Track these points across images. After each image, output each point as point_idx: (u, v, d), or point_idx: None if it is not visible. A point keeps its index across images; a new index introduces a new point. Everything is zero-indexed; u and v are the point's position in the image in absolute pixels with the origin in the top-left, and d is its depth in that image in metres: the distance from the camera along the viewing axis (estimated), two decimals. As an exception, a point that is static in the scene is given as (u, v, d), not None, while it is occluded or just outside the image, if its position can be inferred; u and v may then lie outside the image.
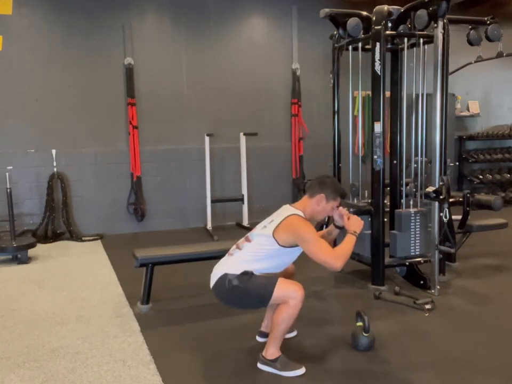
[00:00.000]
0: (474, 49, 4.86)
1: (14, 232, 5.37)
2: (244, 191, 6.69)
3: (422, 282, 4.04)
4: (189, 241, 5.72)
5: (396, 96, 4.41)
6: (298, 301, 2.65)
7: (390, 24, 4.03)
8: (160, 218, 6.82)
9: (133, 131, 6.54)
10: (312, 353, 2.93)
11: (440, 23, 3.72)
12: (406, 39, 4.09)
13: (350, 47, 4.33)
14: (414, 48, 4.29)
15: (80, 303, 3.93)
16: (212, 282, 2.83)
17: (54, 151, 6.26)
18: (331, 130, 4.53)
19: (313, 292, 4.07)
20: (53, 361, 2.92)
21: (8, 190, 5.38)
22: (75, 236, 6.26)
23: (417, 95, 4.21)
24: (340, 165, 4.54)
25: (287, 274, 2.95)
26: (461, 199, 4.53)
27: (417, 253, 4.17)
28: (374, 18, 4.02)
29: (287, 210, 2.84)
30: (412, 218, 4.13)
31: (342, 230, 2.95)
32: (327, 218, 3.31)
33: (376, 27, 3.97)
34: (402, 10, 4.01)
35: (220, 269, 2.83)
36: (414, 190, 4.27)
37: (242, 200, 6.68)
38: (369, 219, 4.15)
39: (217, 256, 3.89)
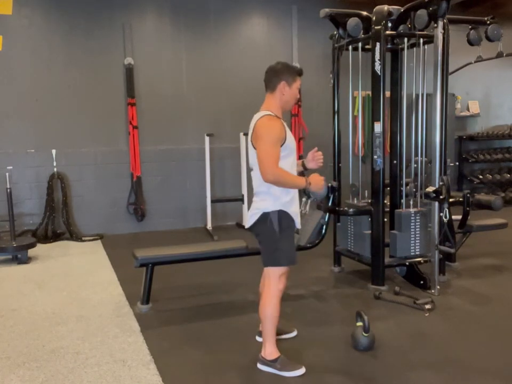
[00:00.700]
0: (474, 49, 4.86)
1: (14, 232, 5.37)
2: (244, 191, 6.69)
3: (422, 282, 4.04)
4: (189, 241, 5.72)
5: (396, 96, 4.41)
6: (279, 292, 2.75)
7: (390, 24, 4.03)
8: (160, 218, 6.82)
9: (133, 131, 6.54)
10: (312, 353, 2.93)
11: (440, 23, 3.72)
12: (406, 39, 4.09)
13: (350, 47, 4.33)
14: (414, 48, 4.29)
15: (80, 303, 3.93)
16: (251, 221, 2.79)
17: (54, 151, 6.26)
18: (331, 130, 4.53)
19: (313, 292, 4.08)
20: (53, 361, 2.92)
21: (8, 190, 5.38)
22: (75, 236, 6.26)
23: (417, 95, 4.21)
24: (340, 165, 4.54)
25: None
26: (461, 199, 4.53)
27: (417, 253, 4.17)
28: (374, 18, 4.02)
29: (256, 116, 2.75)
30: (412, 218, 4.13)
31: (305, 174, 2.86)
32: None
33: (376, 27, 3.97)
34: (402, 10, 4.01)
35: (254, 208, 2.78)
36: (414, 190, 4.27)
37: (242, 200, 6.68)
38: (369, 219, 4.15)
39: (217, 256, 3.93)
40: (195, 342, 3.16)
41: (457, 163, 8.41)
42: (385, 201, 4.14)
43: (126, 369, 2.80)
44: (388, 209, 4.42)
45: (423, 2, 3.78)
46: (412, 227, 4.14)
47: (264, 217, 2.72)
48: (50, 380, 2.71)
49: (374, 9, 4.06)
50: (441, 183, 3.79)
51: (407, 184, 4.34)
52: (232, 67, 7.02)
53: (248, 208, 2.93)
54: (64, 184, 6.29)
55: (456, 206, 4.54)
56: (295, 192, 2.80)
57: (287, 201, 2.73)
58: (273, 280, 2.75)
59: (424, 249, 4.17)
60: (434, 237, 3.87)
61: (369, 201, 4.19)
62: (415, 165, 4.29)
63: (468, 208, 4.53)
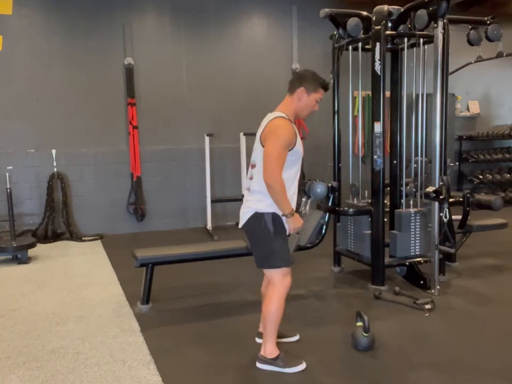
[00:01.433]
0: (474, 49, 4.86)
1: (14, 232, 5.37)
2: (244, 191, 6.68)
3: (422, 282, 4.04)
4: (189, 241, 5.71)
5: (396, 96, 4.41)
6: (285, 291, 2.73)
7: (390, 24, 4.03)
8: (160, 218, 6.82)
9: (133, 131, 6.54)
10: (312, 353, 2.93)
11: (440, 23, 3.72)
12: (406, 39, 4.09)
13: (350, 47, 4.33)
14: (414, 48, 4.29)
15: (80, 303, 3.93)
16: (243, 220, 2.81)
17: (54, 151, 6.26)
18: (331, 130, 4.53)
19: (313, 292, 4.08)
20: (53, 361, 2.92)
21: (8, 190, 5.38)
22: (75, 236, 6.26)
23: (417, 95, 4.21)
24: (340, 165, 4.53)
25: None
26: (461, 199, 4.53)
27: (417, 253, 4.17)
28: (374, 18, 4.02)
29: (270, 115, 2.75)
30: (412, 218, 4.13)
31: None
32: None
33: (376, 27, 3.97)
34: (402, 10, 4.01)
35: (247, 207, 2.81)
36: (414, 190, 4.27)
37: (242, 200, 6.67)
38: (369, 219, 4.15)
39: (217, 256, 3.92)
40: (195, 342, 3.16)
41: (457, 163, 8.41)
42: (385, 201, 4.14)
43: (126, 369, 2.80)
44: (388, 209, 4.42)
45: (423, 2, 3.78)
46: (412, 227, 4.14)
47: (258, 216, 2.72)
48: (50, 380, 2.71)
49: (374, 9, 4.06)
50: (441, 183, 3.79)
51: (407, 184, 4.34)
52: (232, 67, 7.02)
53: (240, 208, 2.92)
54: (64, 184, 6.29)
55: (456, 206, 4.54)
56: (293, 202, 2.81)
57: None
58: (277, 282, 2.74)
59: (424, 249, 4.17)
60: (434, 237, 3.87)
61: (369, 201, 4.19)
62: (415, 165, 4.29)
63: (468, 208, 4.53)
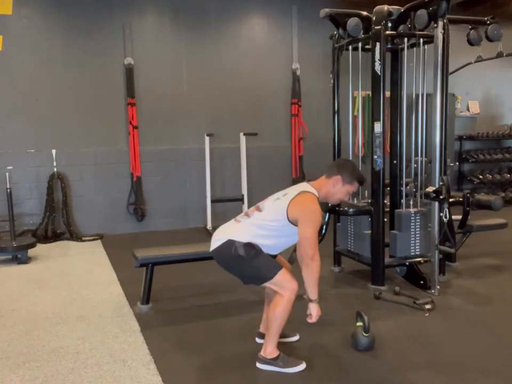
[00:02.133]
0: (474, 49, 4.85)
1: (14, 232, 5.37)
2: (244, 191, 6.69)
3: (422, 282, 4.04)
4: (189, 241, 5.70)
5: (396, 96, 4.41)
6: (293, 294, 2.71)
7: (390, 24, 4.03)
8: (160, 218, 6.82)
9: (133, 131, 6.54)
10: (312, 354, 2.93)
11: (440, 23, 3.72)
12: (406, 39, 4.08)
13: (350, 47, 4.33)
14: (414, 48, 4.29)
15: (80, 303, 3.93)
16: (214, 246, 2.85)
17: (54, 151, 6.26)
18: (331, 130, 4.53)
19: (313, 292, 4.07)
20: (53, 361, 2.92)
21: (8, 190, 5.38)
22: (75, 236, 6.26)
23: (417, 95, 4.21)
24: (339, 164, 4.53)
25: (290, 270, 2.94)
26: (461, 199, 4.53)
27: (417, 253, 4.17)
28: (374, 18, 4.02)
29: (303, 186, 2.81)
30: (412, 218, 4.13)
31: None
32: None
33: (376, 27, 3.97)
34: (402, 10, 4.01)
35: (225, 233, 2.82)
36: (414, 190, 4.27)
37: (242, 200, 6.68)
38: (369, 219, 4.15)
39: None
40: (195, 342, 3.16)
41: (457, 163, 8.41)
42: (385, 201, 4.14)
43: (126, 369, 2.80)
44: (388, 209, 4.42)
45: (423, 2, 3.77)
46: (412, 227, 4.13)
47: (229, 243, 2.74)
48: (50, 380, 2.71)
49: (374, 9, 4.06)
50: (441, 183, 3.79)
51: (407, 184, 4.34)
52: (232, 67, 7.02)
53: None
54: (64, 184, 6.29)
55: (456, 206, 4.54)
56: (282, 248, 2.87)
57: (264, 245, 2.75)
58: (280, 290, 2.72)
59: (424, 249, 4.17)
60: (434, 237, 3.87)
61: (369, 201, 4.19)
62: (415, 165, 4.29)
63: (468, 208, 4.53)
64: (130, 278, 4.34)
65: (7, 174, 5.39)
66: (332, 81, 4.43)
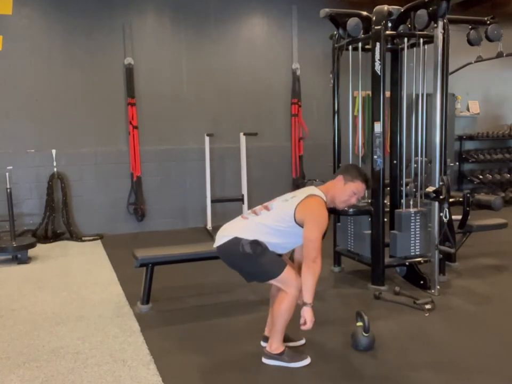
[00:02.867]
0: (474, 49, 4.85)
1: (14, 232, 5.37)
2: (244, 191, 6.69)
3: (422, 282, 4.04)
4: (189, 241, 5.71)
5: (396, 96, 4.41)
6: (297, 291, 2.71)
7: (390, 24, 4.03)
8: (160, 218, 6.82)
9: (133, 131, 6.54)
10: (312, 354, 2.93)
11: (440, 23, 3.72)
12: (406, 39, 4.08)
13: (350, 47, 4.33)
14: (414, 48, 4.29)
15: (80, 303, 3.93)
16: (219, 242, 2.82)
17: (54, 151, 6.26)
18: (331, 130, 4.53)
19: (313, 292, 4.07)
20: (53, 361, 2.92)
21: (8, 190, 5.38)
22: (75, 236, 6.26)
23: (417, 95, 4.21)
24: (340, 165, 4.53)
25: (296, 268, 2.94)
26: (461, 199, 4.52)
27: (417, 253, 4.17)
28: (374, 18, 4.02)
29: (311, 189, 2.83)
30: (412, 218, 4.13)
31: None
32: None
33: (376, 27, 3.97)
34: (402, 10, 4.01)
35: (231, 230, 2.80)
36: (414, 190, 4.27)
37: (242, 200, 6.68)
38: (369, 219, 4.15)
39: (217, 256, 3.91)
40: (195, 342, 3.16)
41: (457, 163, 8.41)
42: (385, 201, 4.14)
43: (126, 369, 2.80)
44: (388, 209, 4.42)
45: (423, 2, 3.77)
46: (412, 227, 4.13)
47: (236, 240, 2.73)
48: (50, 380, 2.71)
49: (374, 9, 4.05)
50: (441, 183, 3.79)
51: (407, 184, 4.34)
52: (232, 67, 7.02)
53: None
54: (64, 184, 6.29)
55: (456, 206, 4.54)
56: (289, 249, 2.88)
57: (271, 244, 2.75)
58: (285, 287, 2.73)
59: (424, 249, 4.17)
60: (434, 237, 3.87)
61: (369, 201, 4.19)
62: (415, 165, 4.29)
63: (468, 208, 4.53)
64: (130, 278, 4.34)
65: (7, 174, 5.39)
66: (332, 81, 4.43)
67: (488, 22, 4.47)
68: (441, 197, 3.75)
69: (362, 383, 2.66)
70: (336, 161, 4.54)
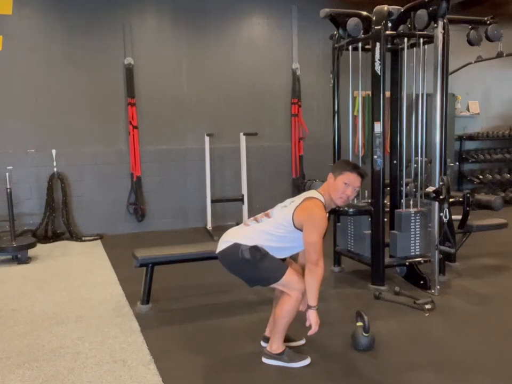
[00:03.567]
0: (474, 49, 4.85)
1: (14, 232, 5.37)
2: (244, 191, 6.69)
3: (422, 282, 4.04)
4: (189, 241, 5.72)
5: (396, 96, 4.41)
6: (300, 294, 2.72)
7: (390, 24, 4.03)
8: (160, 218, 6.82)
9: (133, 131, 6.54)
10: (312, 354, 2.93)
11: (440, 23, 3.72)
12: (406, 39, 4.09)
13: (350, 47, 4.33)
14: (414, 48, 4.29)
15: (80, 303, 3.93)
16: (220, 248, 2.83)
17: (54, 151, 6.26)
18: (331, 130, 4.53)
19: (313, 292, 4.07)
20: (53, 361, 2.92)
21: (8, 190, 5.38)
22: (75, 236, 6.26)
23: (417, 95, 4.21)
24: (340, 165, 4.53)
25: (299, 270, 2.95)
26: (461, 199, 4.53)
27: (417, 253, 4.18)
28: (374, 18, 4.02)
29: (310, 193, 2.84)
30: (412, 218, 4.13)
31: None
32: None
33: (376, 27, 3.97)
34: (402, 10, 4.01)
35: (232, 237, 2.81)
36: (414, 190, 4.27)
37: (242, 200, 6.68)
38: (369, 219, 4.15)
39: (217, 257, 3.91)
40: (195, 342, 3.16)
41: (457, 163, 8.41)
42: (385, 201, 4.14)
43: (126, 369, 2.80)
44: (388, 209, 4.42)
45: (423, 2, 3.77)
46: (412, 227, 4.14)
47: (235, 247, 2.74)
48: (50, 380, 2.71)
49: (374, 9, 4.06)
50: (441, 183, 3.79)
51: (407, 184, 4.34)
52: (232, 67, 7.02)
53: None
54: (64, 184, 6.29)
55: (456, 206, 4.54)
56: (290, 254, 2.88)
57: (273, 248, 2.75)
58: (288, 290, 2.74)
59: (424, 249, 4.17)
60: (434, 237, 3.87)
61: (369, 201, 4.19)
62: (415, 165, 4.29)
63: (468, 208, 4.53)
64: (130, 278, 4.34)
65: (7, 174, 5.40)
66: (332, 81, 4.43)
67: (488, 22, 4.48)
68: (441, 197, 3.75)
69: (362, 383, 2.66)
70: (336, 161, 4.53)
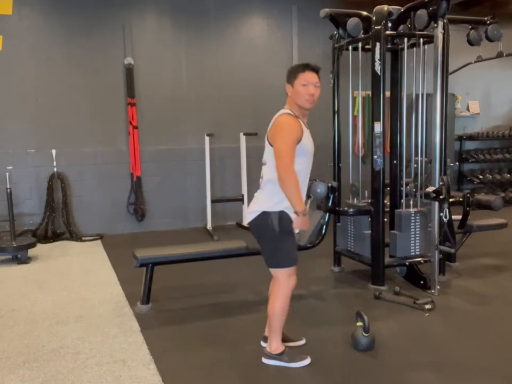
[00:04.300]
0: (474, 49, 4.86)
1: (14, 232, 5.37)
2: (244, 191, 6.69)
3: (422, 282, 4.04)
4: (189, 241, 5.72)
5: (396, 96, 4.41)
6: (290, 291, 2.80)
7: (390, 24, 4.03)
8: (160, 218, 6.82)
9: (133, 131, 6.54)
10: (312, 353, 2.93)
11: (440, 23, 3.72)
12: (406, 39, 4.09)
13: (350, 47, 4.33)
14: (414, 48, 4.29)
15: (80, 303, 3.93)
16: (250, 218, 2.79)
17: (54, 151, 6.26)
18: (331, 130, 4.53)
19: (313, 292, 4.08)
20: (53, 361, 2.92)
21: (8, 190, 5.38)
22: (75, 236, 6.26)
23: (417, 95, 4.21)
24: (340, 165, 4.53)
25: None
26: (461, 199, 4.53)
27: (417, 253, 4.18)
28: (374, 18, 4.02)
29: (276, 115, 2.80)
30: (412, 218, 4.13)
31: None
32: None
33: (376, 27, 3.97)
34: (402, 10, 4.01)
35: (257, 205, 2.78)
36: (414, 190, 4.27)
37: (242, 200, 6.68)
38: (369, 219, 4.15)
39: (217, 256, 3.93)
40: (195, 342, 3.16)
41: (457, 163, 8.41)
42: (385, 201, 4.14)
43: (126, 369, 2.80)
44: (388, 209, 4.42)
45: (423, 2, 3.78)
46: (412, 227, 4.14)
47: (265, 216, 2.72)
48: (50, 380, 2.71)
49: (374, 9, 4.06)
50: (441, 183, 3.79)
51: (407, 184, 4.34)
52: (232, 67, 7.02)
53: (249, 205, 2.92)
54: (64, 184, 6.29)
55: (456, 206, 4.54)
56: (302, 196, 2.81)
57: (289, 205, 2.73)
58: (282, 281, 2.77)
59: (424, 249, 4.17)
60: (434, 237, 3.87)
61: (369, 201, 4.19)
62: (415, 165, 4.29)
63: (468, 208, 4.53)
64: (130, 278, 4.34)
65: (7, 174, 5.40)
66: (332, 81, 4.43)
67: (488, 22, 4.48)
68: (441, 197, 3.75)
69: (362, 383, 2.66)
70: (336, 161, 4.54)
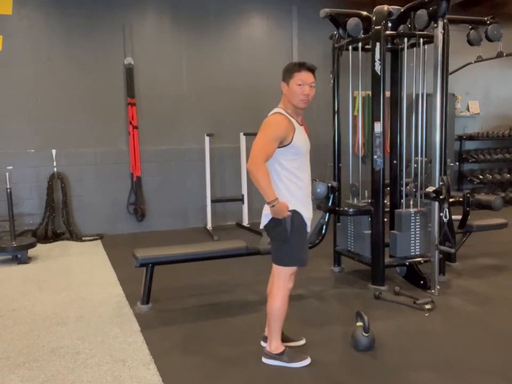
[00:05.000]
0: (474, 49, 4.86)
1: (14, 232, 5.37)
2: (244, 191, 6.69)
3: (422, 282, 4.04)
4: (189, 241, 5.72)
5: (396, 96, 4.41)
6: (288, 291, 2.81)
7: (390, 24, 4.03)
8: (160, 218, 6.82)
9: (133, 131, 6.54)
10: (312, 353, 2.93)
11: (440, 23, 3.72)
12: (406, 39, 4.09)
13: (350, 47, 4.33)
14: (414, 48, 4.29)
15: (80, 303, 3.93)
16: (263, 222, 2.80)
17: (54, 151, 6.26)
18: (331, 130, 4.53)
19: (313, 292, 4.08)
20: (53, 361, 2.92)
21: (8, 190, 5.38)
22: (75, 236, 6.26)
23: (417, 95, 4.21)
24: (340, 165, 4.54)
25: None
26: (461, 199, 4.53)
27: (417, 253, 4.18)
28: (374, 18, 4.02)
29: (271, 111, 2.80)
30: (412, 218, 4.13)
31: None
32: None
33: (376, 27, 3.97)
34: (402, 10, 4.01)
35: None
36: (414, 190, 4.27)
37: (242, 200, 6.68)
38: (369, 219, 4.15)
39: (217, 256, 3.93)
40: (195, 342, 3.16)
41: (457, 163, 8.41)
42: (385, 201, 4.14)
43: (126, 369, 2.80)
44: (388, 209, 4.42)
45: (423, 2, 3.78)
46: (412, 227, 4.14)
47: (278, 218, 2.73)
48: (50, 380, 2.71)
49: (374, 9, 4.06)
50: (441, 183, 3.79)
51: (407, 184, 4.35)
52: (232, 67, 7.02)
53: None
54: (64, 184, 6.29)
55: (456, 206, 4.54)
56: (307, 197, 2.84)
57: (300, 203, 2.74)
58: (282, 280, 2.77)
59: (424, 249, 4.17)
60: (434, 237, 3.87)
61: (369, 201, 4.19)
62: (415, 165, 4.29)
63: (468, 208, 4.53)
64: (130, 278, 4.34)
65: (7, 174, 5.40)
66: (332, 81, 4.43)
67: (488, 22, 4.48)
68: (441, 197, 3.75)
69: (362, 383, 2.66)
70: (336, 161, 4.54)
